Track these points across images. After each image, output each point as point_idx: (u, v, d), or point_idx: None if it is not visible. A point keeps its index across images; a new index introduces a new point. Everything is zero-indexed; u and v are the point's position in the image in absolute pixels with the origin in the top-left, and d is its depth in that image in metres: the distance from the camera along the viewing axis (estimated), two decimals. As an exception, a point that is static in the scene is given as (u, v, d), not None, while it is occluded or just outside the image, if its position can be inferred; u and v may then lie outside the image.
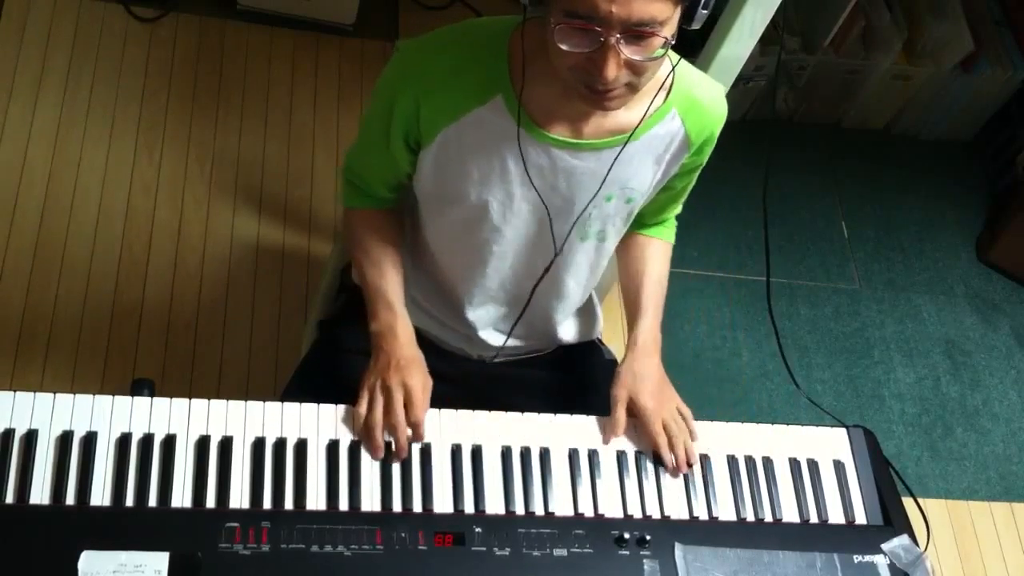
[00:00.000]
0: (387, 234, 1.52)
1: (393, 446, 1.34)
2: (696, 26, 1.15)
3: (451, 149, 1.34)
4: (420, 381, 1.39)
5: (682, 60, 1.34)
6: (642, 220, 1.57)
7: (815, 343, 2.73)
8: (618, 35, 1.10)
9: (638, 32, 1.11)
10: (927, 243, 3.03)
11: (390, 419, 1.34)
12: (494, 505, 1.34)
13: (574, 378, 1.56)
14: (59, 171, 2.42)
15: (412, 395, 1.36)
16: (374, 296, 1.47)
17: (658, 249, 1.60)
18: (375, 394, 1.36)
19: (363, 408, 1.35)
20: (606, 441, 1.42)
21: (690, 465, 1.42)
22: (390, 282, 1.47)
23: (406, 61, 1.34)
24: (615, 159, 1.34)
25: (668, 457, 1.41)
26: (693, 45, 1.60)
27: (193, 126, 2.58)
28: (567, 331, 1.65)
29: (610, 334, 2.54)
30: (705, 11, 1.14)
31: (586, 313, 1.68)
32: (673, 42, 1.15)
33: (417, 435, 1.35)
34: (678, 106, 1.36)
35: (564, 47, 1.13)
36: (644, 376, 1.46)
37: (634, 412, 1.44)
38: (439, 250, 1.51)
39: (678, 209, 1.62)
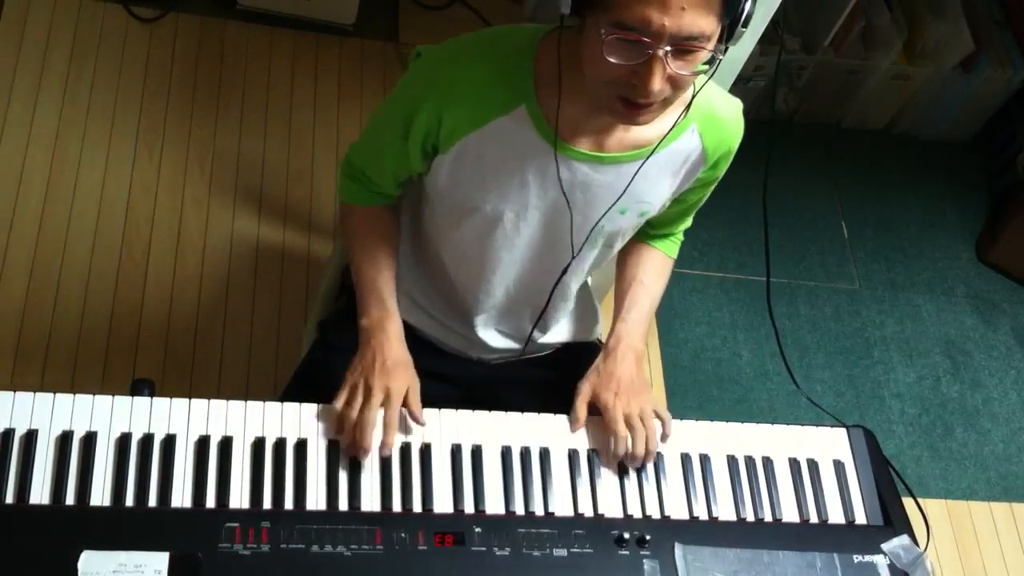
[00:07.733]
0: (385, 231, 1.51)
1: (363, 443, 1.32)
2: (734, 44, 1.15)
3: (469, 157, 1.34)
4: (405, 384, 1.37)
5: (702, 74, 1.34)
6: (649, 230, 1.57)
7: (815, 343, 2.73)
8: (667, 48, 1.11)
9: (685, 46, 1.12)
10: (927, 243, 3.03)
11: (363, 417, 1.32)
12: (494, 505, 1.34)
13: (574, 378, 1.56)
14: (59, 171, 2.42)
15: (392, 399, 1.34)
16: (368, 290, 1.46)
17: (657, 261, 1.60)
18: (356, 392, 1.35)
19: (340, 404, 1.35)
20: (574, 431, 1.41)
21: (644, 464, 1.40)
22: (385, 278, 1.47)
23: (430, 72, 1.33)
24: (635, 174, 1.34)
25: (620, 448, 1.38)
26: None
27: (193, 126, 2.58)
28: (561, 332, 1.65)
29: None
30: (744, 29, 1.14)
31: (586, 314, 1.68)
32: (720, 58, 1.15)
33: (386, 441, 1.33)
34: (698, 121, 1.36)
35: (612, 59, 1.12)
36: (610, 373, 1.45)
37: (598, 408, 1.43)
38: (446, 255, 1.51)
39: (687, 223, 1.62)
